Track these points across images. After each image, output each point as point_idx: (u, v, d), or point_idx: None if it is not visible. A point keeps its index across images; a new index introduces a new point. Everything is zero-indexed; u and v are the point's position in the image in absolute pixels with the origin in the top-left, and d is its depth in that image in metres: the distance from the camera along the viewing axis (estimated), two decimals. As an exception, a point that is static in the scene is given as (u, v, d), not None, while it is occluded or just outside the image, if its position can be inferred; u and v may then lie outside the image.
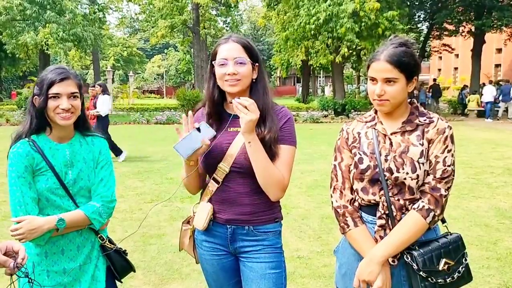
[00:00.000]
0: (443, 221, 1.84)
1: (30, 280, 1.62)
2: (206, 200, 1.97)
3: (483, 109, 22.28)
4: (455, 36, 29.22)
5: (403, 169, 1.73)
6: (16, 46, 25.60)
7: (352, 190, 1.87)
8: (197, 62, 29.83)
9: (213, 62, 1.91)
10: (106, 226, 2.15)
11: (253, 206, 1.91)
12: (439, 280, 1.71)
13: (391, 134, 1.81)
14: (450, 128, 1.77)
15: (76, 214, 1.94)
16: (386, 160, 1.77)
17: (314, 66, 28.44)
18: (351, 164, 1.87)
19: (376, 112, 1.90)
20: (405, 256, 1.73)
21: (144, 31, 43.83)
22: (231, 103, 1.81)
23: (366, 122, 1.91)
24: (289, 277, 3.80)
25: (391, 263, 1.76)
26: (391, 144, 1.79)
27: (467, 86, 25.84)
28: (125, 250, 2.21)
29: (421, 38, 30.01)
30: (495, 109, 21.81)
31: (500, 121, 20.17)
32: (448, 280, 1.72)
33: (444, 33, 28.73)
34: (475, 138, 13.81)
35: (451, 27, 27.88)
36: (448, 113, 24.32)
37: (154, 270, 4.01)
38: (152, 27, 31.11)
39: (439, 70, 47.89)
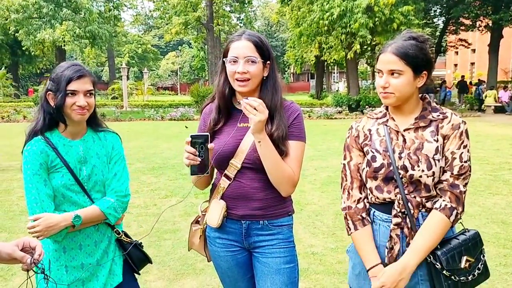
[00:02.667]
0: None
1: (46, 277, 1.64)
2: (218, 197, 1.97)
3: (500, 104, 21.93)
4: (472, 30, 28.76)
5: (418, 166, 1.69)
6: (33, 43, 25.96)
7: (360, 189, 1.85)
8: (211, 59, 29.89)
9: (224, 59, 1.90)
10: (121, 221, 2.16)
11: (267, 201, 1.92)
12: (461, 278, 1.69)
13: (404, 130, 1.77)
14: (465, 123, 1.73)
15: (91, 210, 1.96)
16: (400, 158, 1.72)
17: (328, 62, 28.30)
18: (360, 163, 1.84)
19: (387, 108, 1.85)
20: (427, 255, 1.71)
21: (158, 28, 44.12)
22: (239, 103, 1.80)
23: (377, 118, 1.86)
24: (303, 273, 3.79)
25: None
26: (404, 141, 1.75)
27: (483, 81, 25.42)
28: (141, 243, 2.23)
29: (437, 33, 29.61)
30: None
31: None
32: (469, 277, 1.71)
33: (461, 27, 28.28)
34: (492, 134, 13.60)
35: (467, 22, 27.44)
36: (464, 108, 23.95)
37: (169, 265, 4.04)
38: (166, 24, 31.28)
39: (455, 65, 47.20)
